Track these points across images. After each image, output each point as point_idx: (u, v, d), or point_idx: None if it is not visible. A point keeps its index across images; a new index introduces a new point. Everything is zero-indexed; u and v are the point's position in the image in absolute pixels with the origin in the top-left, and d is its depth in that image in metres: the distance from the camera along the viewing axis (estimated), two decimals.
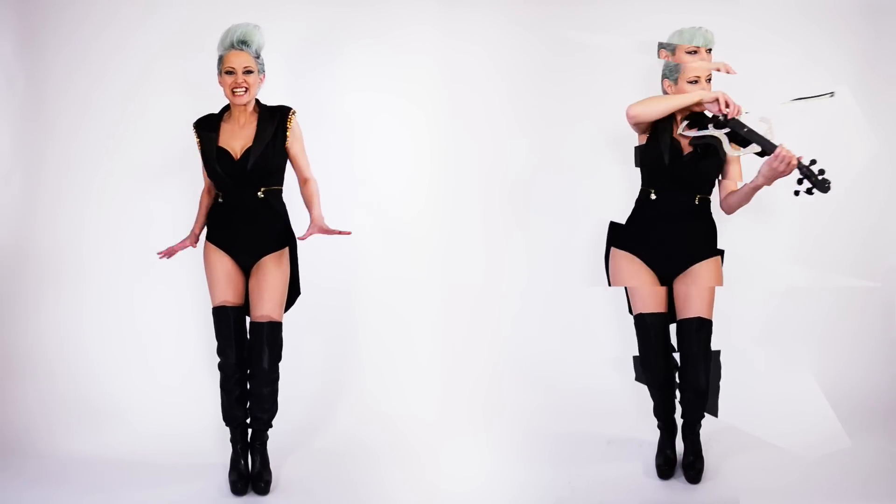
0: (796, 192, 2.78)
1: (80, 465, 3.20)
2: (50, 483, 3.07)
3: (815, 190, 2.76)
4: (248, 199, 2.98)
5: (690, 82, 2.93)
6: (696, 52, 2.93)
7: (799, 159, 2.76)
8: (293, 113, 3.00)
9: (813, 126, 3.14)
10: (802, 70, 3.45)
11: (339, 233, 2.93)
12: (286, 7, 3.54)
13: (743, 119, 2.86)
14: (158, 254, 3.05)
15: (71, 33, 3.55)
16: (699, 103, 2.90)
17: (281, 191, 3.03)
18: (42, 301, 3.62)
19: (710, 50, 2.94)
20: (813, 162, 2.76)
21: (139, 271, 3.55)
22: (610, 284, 3.11)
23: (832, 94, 2.85)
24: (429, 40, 3.59)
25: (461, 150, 3.64)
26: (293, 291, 3.10)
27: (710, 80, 2.93)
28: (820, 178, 2.75)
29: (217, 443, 3.24)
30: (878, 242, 3.70)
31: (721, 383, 3.00)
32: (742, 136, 2.85)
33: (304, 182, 3.05)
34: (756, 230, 3.59)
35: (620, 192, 3.21)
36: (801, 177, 2.78)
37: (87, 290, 3.61)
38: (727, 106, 2.85)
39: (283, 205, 3.04)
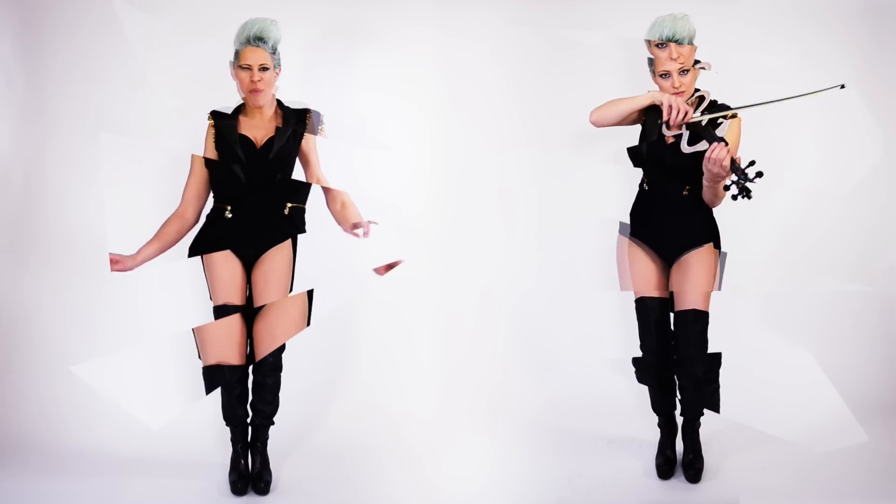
0: (734, 197, 2.69)
1: (80, 465, 3.20)
2: (50, 482, 3.07)
3: (740, 196, 2.65)
4: (265, 184, 2.98)
5: (660, 76, 2.94)
6: (664, 45, 2.92)
7: (735, 161, 2.70)
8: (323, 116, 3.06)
9: (812, 113, 3.14)
10: (800, 71, 3.46)
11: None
12: (285, 9, 3.54)
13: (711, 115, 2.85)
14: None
15: (71, 34, 3.54)
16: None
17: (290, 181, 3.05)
18: (42, 302, 3.61)
19: (680, 41, 2.91)
20: (751, 164, 2.67)
21: (139, 270, 3.54)
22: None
23: (842, 86, 2.75)
24: (429, 40, 3.60)
25: (462, 149, 3.64)
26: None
27: (684, 72, 2.91)
28: (751, 181, 2.63)
29: (217, 443, 3.24)
30: (878, 243, 3.70)
31: (720, 380, 3.02)
32: (697, 134, 2.85)
33: (318, 181, 3.09)
34: (755, 230, 3.60)
35: (626, 192, 3.21)
36: (732, 181, 2.68)
37: (87, 289, 3.61)
38: (671, 112, 2.85)
39: (297, 189, 3.05)
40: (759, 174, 2.64)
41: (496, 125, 3.68)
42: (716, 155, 2.72)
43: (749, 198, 2.65)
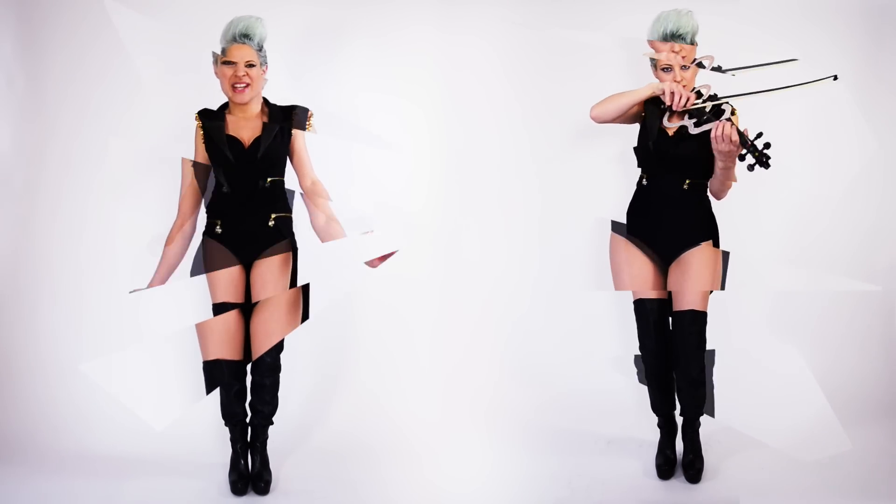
0: (750, 168, 2.71)
1: (80, 465, 3.20)
2: (49, 483, 3.07)
3: (756, 166, 2.68)
4: (253, 189, 2.98)
5: (662, 70, 2.94)
6: (666, 40, 2.93)
7: (743, 133, 2.72)
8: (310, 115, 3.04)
9: (811, 112, 3.13)
10: (801, 71, 3.46)
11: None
12: (284, 7, 3.54)
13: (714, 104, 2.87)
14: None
15: (71, 34, 3.54)
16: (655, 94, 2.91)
17: (283, 182, 3.04)
18: (41, 301, 3.62)
19: (683, 37, 2.92)
20: (759, 136, 2.70)
21: (138, 271, 3.54)
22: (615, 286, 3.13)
23: (835, 77, 2.79)
24: (429, 40, 3.60)
25: (461, 149, 3.64)
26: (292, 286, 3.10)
27: (685, 68, 2.92)
28: (762, 151, 2.66)
29: (217, 443, 3.24)
30: (875, 243, 3.70)
31: (715, 380, 3.02)
32: (702, 121, 2.85)
33: (313, 184, 3.07)
34: (753, 229, 3.60)
35: (626, 192, 3.21)
36: (744, 152, 2.71)
37: (86, 289, 3.61)
38: (673, 97, 2.85)
39: (286, 196, 3.05)
40: (768, 144, 2.68)
41: (496, 124, 3.68)
42: (722, 130, 2.73)
43: (766, 166, 2.68)
